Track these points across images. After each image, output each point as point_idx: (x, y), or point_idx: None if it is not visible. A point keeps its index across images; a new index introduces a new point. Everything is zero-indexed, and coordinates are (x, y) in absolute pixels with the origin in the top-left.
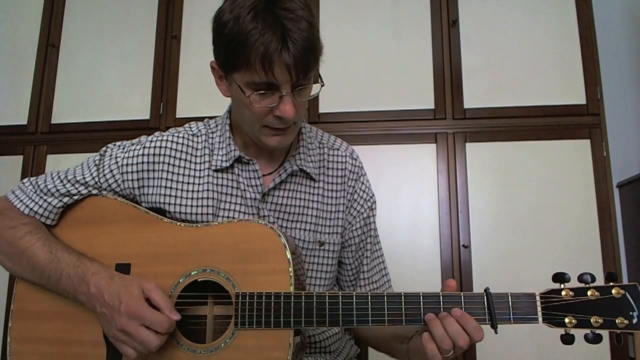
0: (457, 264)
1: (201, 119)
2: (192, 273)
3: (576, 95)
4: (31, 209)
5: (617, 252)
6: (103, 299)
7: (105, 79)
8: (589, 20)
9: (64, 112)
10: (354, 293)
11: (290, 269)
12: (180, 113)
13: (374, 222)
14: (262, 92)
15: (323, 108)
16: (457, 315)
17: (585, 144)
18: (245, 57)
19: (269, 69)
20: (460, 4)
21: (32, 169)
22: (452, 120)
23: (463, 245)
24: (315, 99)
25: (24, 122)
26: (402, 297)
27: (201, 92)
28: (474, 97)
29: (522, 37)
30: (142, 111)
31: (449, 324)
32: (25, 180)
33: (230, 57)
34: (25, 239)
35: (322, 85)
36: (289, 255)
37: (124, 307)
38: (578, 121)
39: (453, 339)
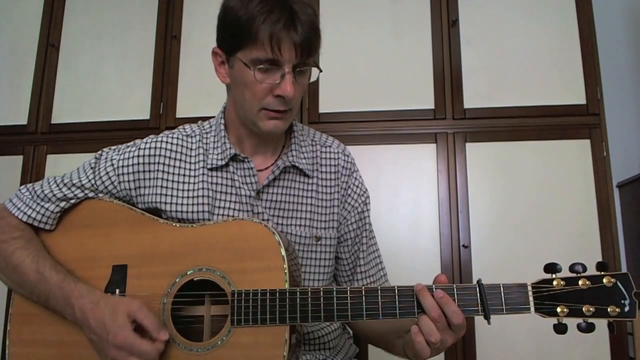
0: (457, 264)
1: (201, 119)
2: (189, 272)
3: (576, 95)
4: (29, 216)
5: (617, 252)
6: (90, 325)
7: (105, 79)
8: (589, 20)
9: (64, 112)
10: (348, 287)
11: (285, 266)
12: (180, 113)
13: (369, 216)
14: (265, 67)
15: (323, 108)
16: (438, 297)
17: (585, 144)
18: (253, 34)
19: (275, 45)
20: (460, 4)
21: (32, 169)
22: (452, 120)
23: (463, 245)
24: (316, 98)
25: (24, 122)
26: (396, 290)
27: (201, 92)
28: (474, 97)
29: (522, 37)
30: (142, 111)
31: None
32: (22, 187)
33: (237, 35)
34: (16, 254)
35: (320, 71)
36: (283, 253)
37: (112, 338)
38: (578, 121)
39: (429, 315)
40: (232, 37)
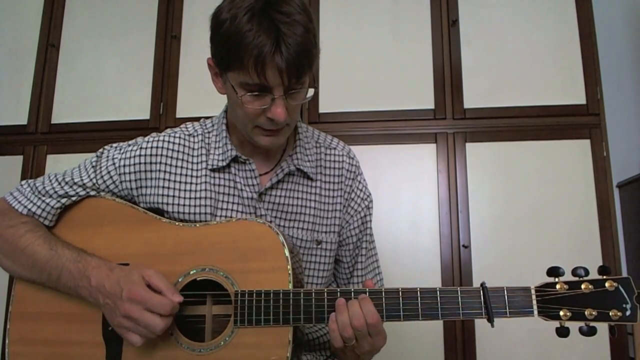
0: (457, 264)
1: (201, 119)
2: (191, 272)
3: (576, 95)
4: (29, 210)
5: (617, 252)
6: (105, 289)
7: (105, 79)
8: (589, 20)
9: (64, 112)
10: (353, 289)
11: (288, 267)
12: (180, 113)
13: (370, 220)
14: (254, 93)
15: (323, 108)
16: (360, 298)
17: (585, 144)
18: (239, 58)
19: (261, 72)
20: (460, 4)
21: (32, 169)
22: (452, 120)
23: (463, 245)
24: (315, 98)
25: (24, 122)
26: (400, 292)
27: (201, 92)
28: (474, 97)
29: (522, 37)
30: (142, 111)
31: (351, 305)
32: (23, 182)
33: (225, 56)
34: (25, 237)
35: (316, 89)
36: (287, 253)
37: (125, 293)
38: (578, 121)
39: (350, 319)
40: (221, 56)
